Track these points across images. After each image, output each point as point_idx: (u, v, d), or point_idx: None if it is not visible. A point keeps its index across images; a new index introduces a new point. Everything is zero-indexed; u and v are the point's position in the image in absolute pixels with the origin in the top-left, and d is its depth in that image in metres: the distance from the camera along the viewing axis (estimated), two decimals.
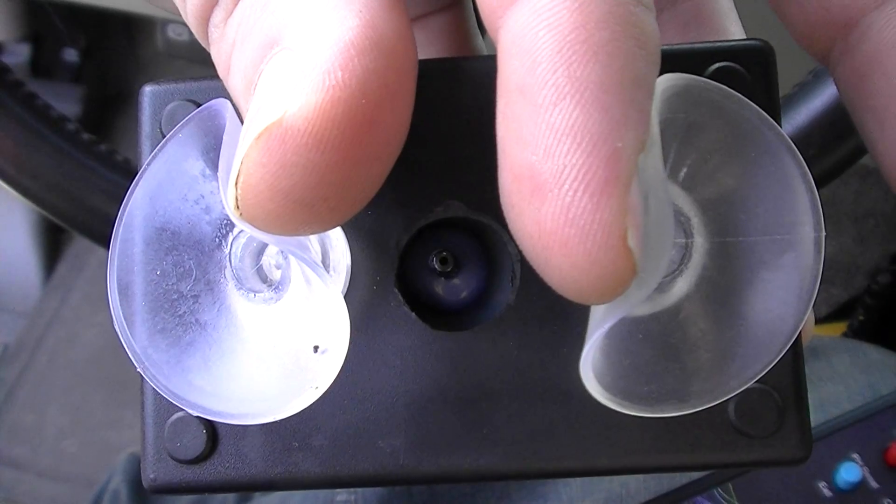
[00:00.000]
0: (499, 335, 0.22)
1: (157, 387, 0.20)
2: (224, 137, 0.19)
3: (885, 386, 0.57)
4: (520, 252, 0.21)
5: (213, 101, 0.20)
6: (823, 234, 0.19)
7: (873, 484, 0.49)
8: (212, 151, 0.20)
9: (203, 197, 0.20)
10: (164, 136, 0.21)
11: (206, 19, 0.20)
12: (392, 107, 0.17)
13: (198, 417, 0.22)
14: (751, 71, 0.22)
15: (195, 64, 1.38)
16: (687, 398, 0.19)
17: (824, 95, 0.45)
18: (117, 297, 0.20)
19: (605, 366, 0.19)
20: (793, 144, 0.19)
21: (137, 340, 0.20)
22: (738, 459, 0.22)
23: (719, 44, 0.22)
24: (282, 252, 0.21)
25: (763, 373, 0.19)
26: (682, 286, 0.20)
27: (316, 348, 0.20)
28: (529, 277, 0.21)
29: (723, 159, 0.19)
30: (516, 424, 0.22)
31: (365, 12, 0.17)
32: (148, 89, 0.23)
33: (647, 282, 0.17)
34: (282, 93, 0.16)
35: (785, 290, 0.19)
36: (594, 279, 0.16)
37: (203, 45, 0.21)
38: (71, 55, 1.42)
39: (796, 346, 0.22)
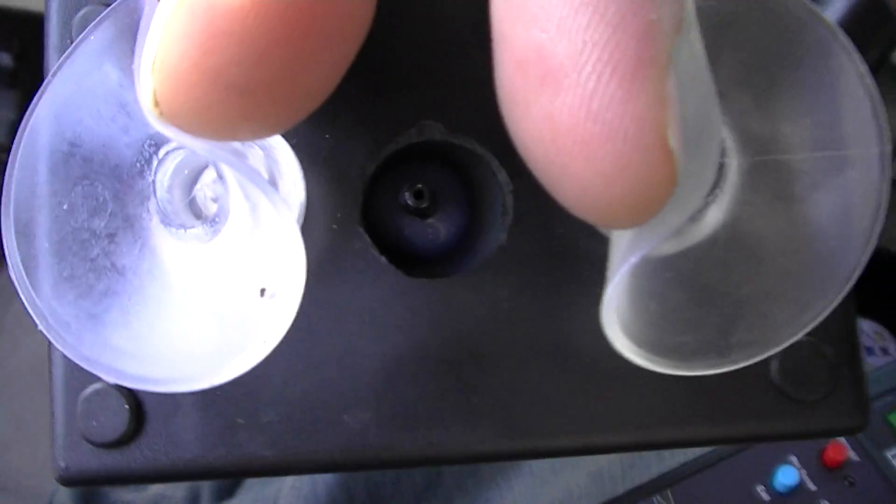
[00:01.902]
0: (488, 282, 0.18)
1: (63, 347, 0.16)
2: (141, 23, 0.14)
3: None
4: (511, 182, 0.18)
5: None
6: (890, 147, 0.15)
7: (811, 486, 0.49)
8: (131, 57, 0.15)
9: (120, 112, 0.17)
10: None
11: None
12: None
13: (118, 389, 0.18)
14: None
15: None
16: (727, 351, 0.15)
17: None
18: (13, 238, 0.16)
19: (628, 313, 0.15)
20: (849, 41, 0.15)
21: (39, 291, 0.16)
22: (785, 430, 0.18)
23: None
24: (219, 176, 0.17)
25: (819, 319, 0.16)
26: (715, 215, 0.17)
27: (263, 292, 0.16)
28: (524, 212, 0.18)
29: (762, 60, 0.16)
30: (512, 392, 0.18)
31: None
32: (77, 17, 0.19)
33: (687, 200, 0.14)
34: None
35: (843, 218, 0.16)
36: (625, 190, 0.12)
37: None
38: (5, 59, 1.39)
39: (849, 299, 0.18)
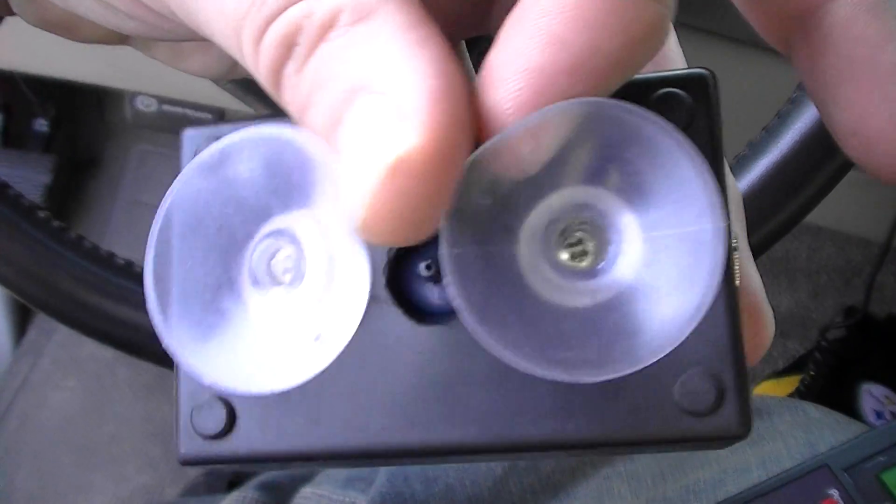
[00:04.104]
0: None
1: (180, 360, 0.23)
2: (317, 164, 0.23)
3: (823, 444, 0.58)
4: None
5: (284, 130, 0.23)
6: (724, 224, 0.21)
7: None
8: (259, 170, 0.23)
9: (237, 207, 0.24)
10: None
11: (278, 72, 0.23)
12: (467, 137, 0.21)
13: (219, 399, 0.26)
14: (694, 96, 0.25)
15: (162, 132, 1.41)
16: (602, 366, 0.21)
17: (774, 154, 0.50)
18: (152, 285, 0.23)
19: (523, 336, 0.22)
20: (692, 147, 0.21)
21: (168, 322, 0.23)
22: (681, 435, 0.24)
23: (667, 73, 0.25)
24: (300, 258, 0.24)
25: (669, 349, 0.21)
26: (608, 278, 0.23)
27: (317, 337, 0.23)
28: None
29: (637, 167, 0.22)
30: (486, 404, 0.25)
31: (436, 64, 0.21)
32: (188, 133, 0.27)
33: None
34: (390, 135, 0.20)
35: (692, 275, 0.21)
36: None
37: (270, 92, 0.23)
38: (41, 125, 1.44)
39: (736, 334, 0.24)
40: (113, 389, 1.42)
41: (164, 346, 0.23)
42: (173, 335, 0.23)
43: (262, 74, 0.23)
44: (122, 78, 1.05)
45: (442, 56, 0.21)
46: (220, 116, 1.33)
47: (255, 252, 0.24)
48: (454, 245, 0.22)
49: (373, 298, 0.24)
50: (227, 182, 0.24)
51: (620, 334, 0.22)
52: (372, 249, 0.24)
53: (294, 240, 0.24)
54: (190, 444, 0.26)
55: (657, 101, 0.25)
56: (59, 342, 1.44)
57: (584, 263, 0.23)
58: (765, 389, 1.32)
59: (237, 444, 0.26)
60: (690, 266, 0.21)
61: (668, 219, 0.22)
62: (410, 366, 0.25)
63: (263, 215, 0.24)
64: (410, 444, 0.25)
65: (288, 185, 0.23)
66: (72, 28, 0.32)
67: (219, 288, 0.24)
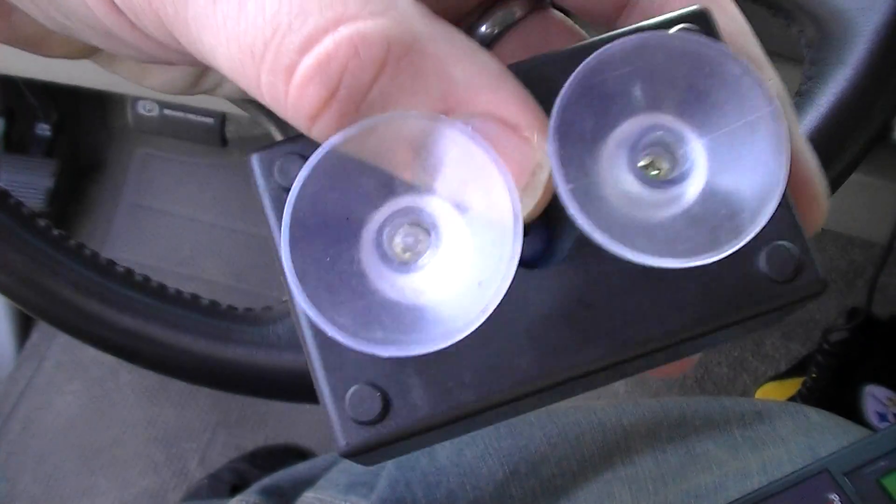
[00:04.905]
0: (571, 267, 0.27)
1: (347, 342, 0.23)
2: (471, 164, 0.24)
3: (824, 448, 0.59)
4: None
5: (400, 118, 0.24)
6: (777, 104, 0.24)
7: None
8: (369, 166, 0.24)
9: (358, 195, 0.25)
10: (280, 187, 0.26)
11: (320, 108, 0.23)
12: None
13: (370, 385, 0.26)
14: (704, 30, 0.28)
15: (164, 137, 1.42)
16: (717, 246, 0.24)
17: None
18: (297, 282, 0.23)
19: (648, 244, 0.24)
20: (731, 51, 0.24)
21: (324, 313, 0.24)
22: (775, 304, 0.27)
23: (673, 14, 0.28)
24: (410, 236, 0.26)
25: (769, 217, 0.24)
26: (693, 179, 0.25)
27: (479, 283, 0.24)
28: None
29: (689, 80, 0.25)
30: (608, 321, 0.27)
31: (504, 76, 0.24)
32: (255, 157, 0.27)
33: None
34: (535, 152, 0.24)
35: (766, 155, 0.24)
36: None
37: (300, 125, 0.24)
38: (43, 130, 1.44)
39: (791, 206, 0.27)
40: (116, 393, 1.43)
41: (330, 335, 0.24)
42: (337, 326, 0.24)
43: (295, 108, 0.23)
44: (124, 83, 1.05)
45: (497, 63, 0.24)
46: (222, 121, 1.34)
47: (387, 231, 0.25)
48: (567, 181, 0.24)
49: None
50: (348, 171, 0.24)
51: (722, 218, 0.24)
52: None
53: (424, 213, 0.25)
54: (352, 434, 0.26)
55: None
56: (63, 346, 1.44)
57: (664, 174, 0.25)
58: (767, 391, 1.32)
59: (399, 421, 0.26)
60: (761, 146, 0.24)
61: (729, 116, 0.25)
62: (532, 306, 0.27)
63: (384, 198, 0.25)
64: (554, 375, 0.27)
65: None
66: (40, 44, 0.32)
67: (362, 274, 0.25)
